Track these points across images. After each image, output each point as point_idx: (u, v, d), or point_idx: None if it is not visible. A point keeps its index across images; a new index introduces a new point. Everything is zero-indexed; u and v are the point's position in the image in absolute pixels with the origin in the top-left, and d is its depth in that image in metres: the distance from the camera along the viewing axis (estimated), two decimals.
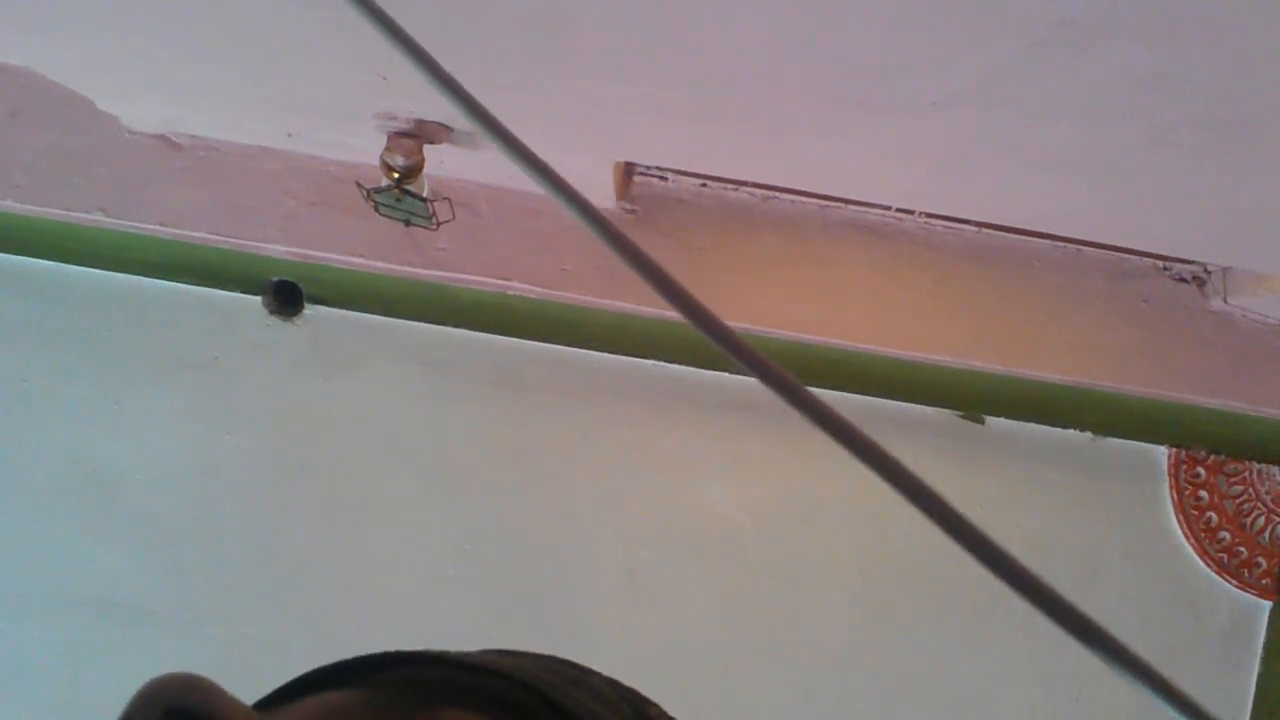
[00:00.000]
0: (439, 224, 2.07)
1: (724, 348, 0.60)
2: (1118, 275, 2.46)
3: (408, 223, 2.06)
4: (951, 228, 2.48)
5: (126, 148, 2.43)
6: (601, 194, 2.37)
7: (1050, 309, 2.45)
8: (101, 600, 2.62)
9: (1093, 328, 2.45)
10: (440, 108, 1.87)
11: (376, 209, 2.02)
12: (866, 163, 1.91)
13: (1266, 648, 2.67)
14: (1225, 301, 2.40)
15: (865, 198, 2.43)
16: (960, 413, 2.65)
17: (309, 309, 2.60)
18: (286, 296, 2.59)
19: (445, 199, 2.12)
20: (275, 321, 2.60)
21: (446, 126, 1.92)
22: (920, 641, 2.67)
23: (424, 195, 1.95)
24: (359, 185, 2.03)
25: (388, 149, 1.88)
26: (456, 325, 2.60)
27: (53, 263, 2.59)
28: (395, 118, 1.89)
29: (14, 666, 2.64)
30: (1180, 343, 2.45)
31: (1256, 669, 2.68)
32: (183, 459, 2.63)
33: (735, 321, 2.43)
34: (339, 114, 2.04)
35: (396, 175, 1.87)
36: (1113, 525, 2.67)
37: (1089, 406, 2.58)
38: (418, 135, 1.90)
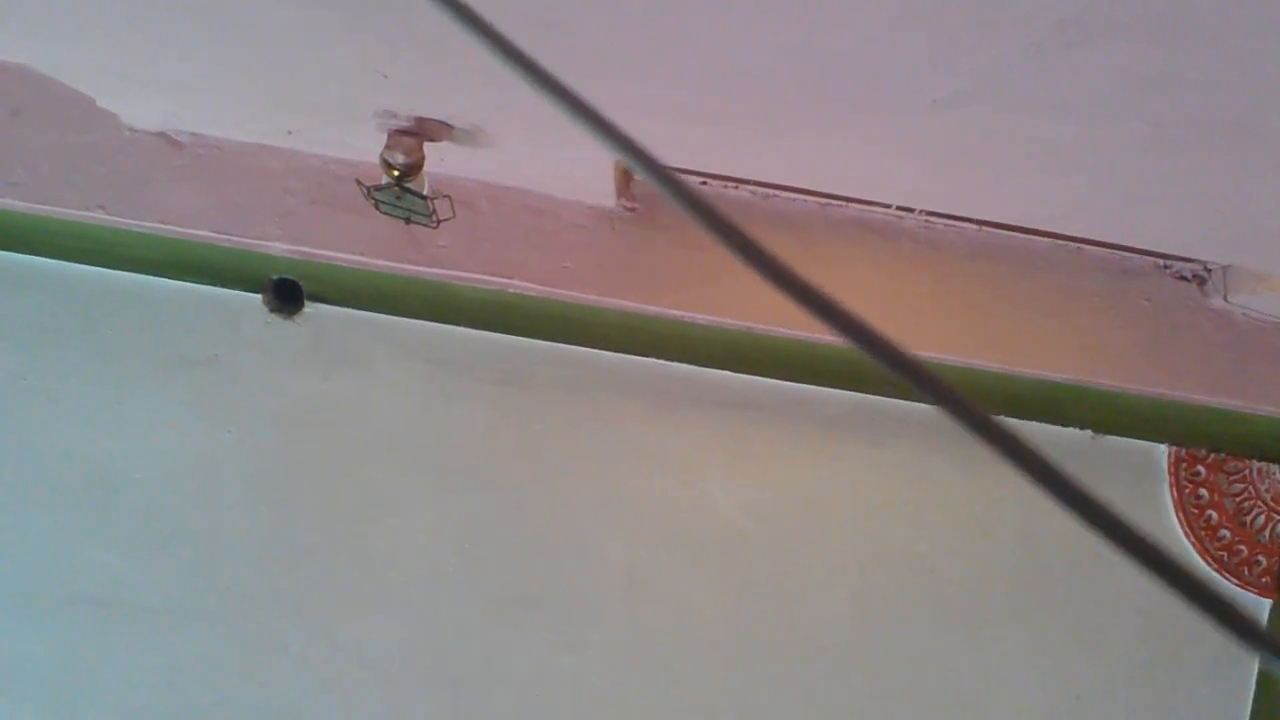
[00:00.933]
0: (439, 222, 2.06)
1: (886, 366, 0.59)
2: (1118, 274, 2.46)
3: (408, 220, 2.06)
4: (952, 226, 2.47)
5: (127, 146, 2.43)
6: (602, 192, 2.37)
7: (1051, 308, 2.45)
8: (103, 599, 2.62)
9: (1093, 326, 2.45)
10: (440, 105, 1.87)
11: (377, 206, 2.02)
12: (866, 161, 1.91)
13: None
14: (1226, 300, 2.40)
15: (866, 196, 2.43)
16: None
17: (310, 307, 2.60)
18: (287, 294, 2.59)
19: (445, 197, 2.12)
20: (276, 319, 2.60)
21: (447, 124, 1.91)
22: (921, 641, 2.67)
23: (424, 193, 1.95)
24: (359, 183, 2.03)
25: (388, 147, 1.88)
26: (458, 323, 2.59)
27: (53, 260, 2.59)
28: (395, 115, 1.89)
29: (16, 665, 2.64)
30: (1181, 341, 2.45)
31: (1256, 668, 2.68)
32: (184, 457, 2.63)
33: (737, 320, 2.44)
34: (339, 112, 2.04)
35: (397, 173, 1.87)
36: None
37: (1090, 405, 2.58)
38: (418, 133, 1.89)
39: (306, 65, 1.73)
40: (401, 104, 1.87)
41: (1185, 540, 2.65)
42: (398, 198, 1.93)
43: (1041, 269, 2.46)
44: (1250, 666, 2.69)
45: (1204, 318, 2.45)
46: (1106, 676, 2.67)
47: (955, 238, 2.49)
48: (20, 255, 2.59)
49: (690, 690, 2.65)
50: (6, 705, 2.64)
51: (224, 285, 2.59)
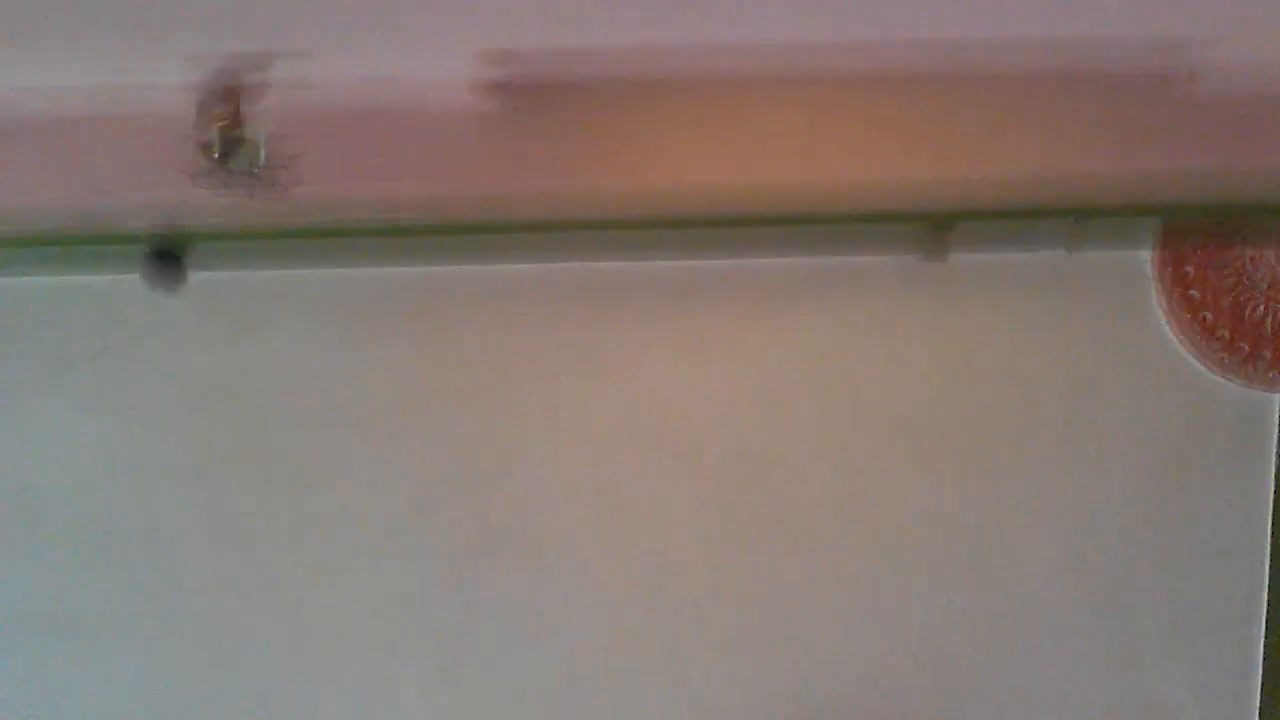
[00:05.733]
0: (286, 188, 1.81)
1: None
2: (1073, 75, 2.19)
3: (252, 193, 1.81)
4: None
5: None
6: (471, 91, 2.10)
7: (1002, 124, 2.22)
8: (51, 618, 2.48)
9: (1055, 112, 2.21)
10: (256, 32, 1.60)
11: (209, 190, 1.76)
12: None
13: None
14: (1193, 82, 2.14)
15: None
16: (921, 253, 2.42)
17: (193, 275, 2.36)
18: (166, 266, 2.35)
19: (282, 167, 1.85)
20: (160, 296, 2.37)
21: (268, 52, 1.65)
22: (915, 504, 2.51)
23: (256, 168, 1.69)
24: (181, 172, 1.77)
25: (198, 124, 1.62)
26: (355, 264, 2.37)
27: None
28: (205, 57, 1.62)
29: None
30: (1156, 110, 2.21)
31: (1274, 465, 2.51)
32: (100, 458, 2.46)
33: (653, 207, 2.20)
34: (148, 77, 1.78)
35: (217, 154, 1.61)
36: (1101, 343, 2.47)
37: (1061, 195, 2.33)
38: (233, 94, 1.63)
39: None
40: (207, 40, 1.60)
41: (1181, 348, 2.45)
42: (225, 181, 1.67)
43: (982, 86, 2.20)
44: (1268, 464, 2.52)
45: (1174, 104, 2.20)
46: (1118, 501, 2.51)
47: (884, 66, 2.22)
48: None
49: (677, 596, 2.51)
50: None
51: (95, 271, 2.35)
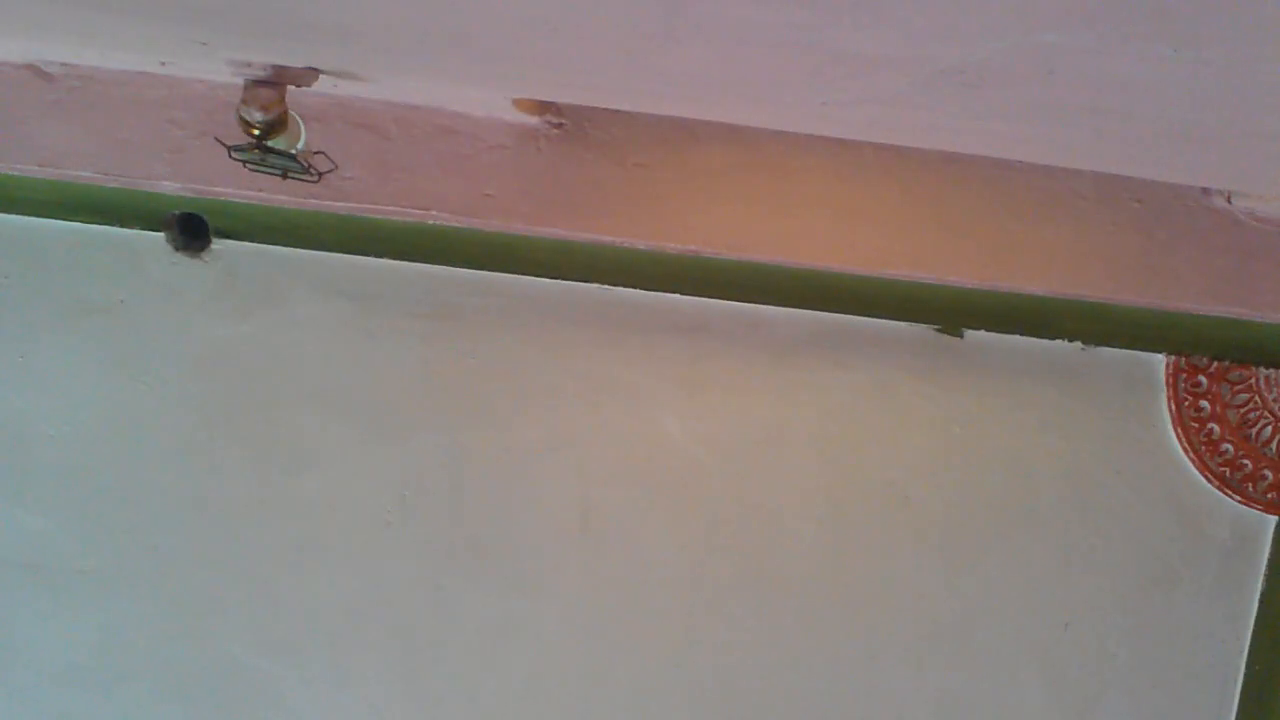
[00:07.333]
0: (320, 175, 1.82)
1: None
2: (1107, 175, 2.18)
3: (284, 175, 1.81)
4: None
5: None
6: (521, 105, 2.10)
7: (1033, 215, 2.18)
8: (29, 562, 2.47)
9: (1081, 234, 2.19)
10: (298, 51, 1.60)
11: (244, 165, 1.77)
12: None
13: (1270, 564, 2.49)
14: (1229, 203, 2.13)
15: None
16: (936, 326, 2.42)
17: (217, 243, 2.37)
18: (192, 231, 2.36)
19: (320, 152, 1.85)
20: (182, 259, 2.38)
21: (313, 69, 1.65)
22: (897, 573, 2.50)
23: (296, 149, 1.69)
24: (219, 140, 1.77)
25: (244, 101, 1.62)
26: (379, 255, 2.37)
27: None
28: (250, 64, 1.62)
29: None
30: (1178, 246, 2.19)
31: (1260, 587, 2.50)
32: (99, 410, 2.44)
33: (682, 244, 2.20)
34: (195, 55, 1.78)
35: (257, 132, 1.61)
36: (1105, 441, 2.46)
37: (1079, 317, 2.34)
38: (277, 82, 1.63)
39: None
40: (253, 52, 1.60)
41: (1185, 455, 2.44)
42: (261, 159, 1.68)
43: (1021, 172, 2.19)
44: (1254, 585, 2.51)
45: (1204, 220, 2.18)
46: (1098, 601, 2.50)
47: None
48: None
49: (652, 634, 2.50)
50: None
51: (122, 225, 2.36)
